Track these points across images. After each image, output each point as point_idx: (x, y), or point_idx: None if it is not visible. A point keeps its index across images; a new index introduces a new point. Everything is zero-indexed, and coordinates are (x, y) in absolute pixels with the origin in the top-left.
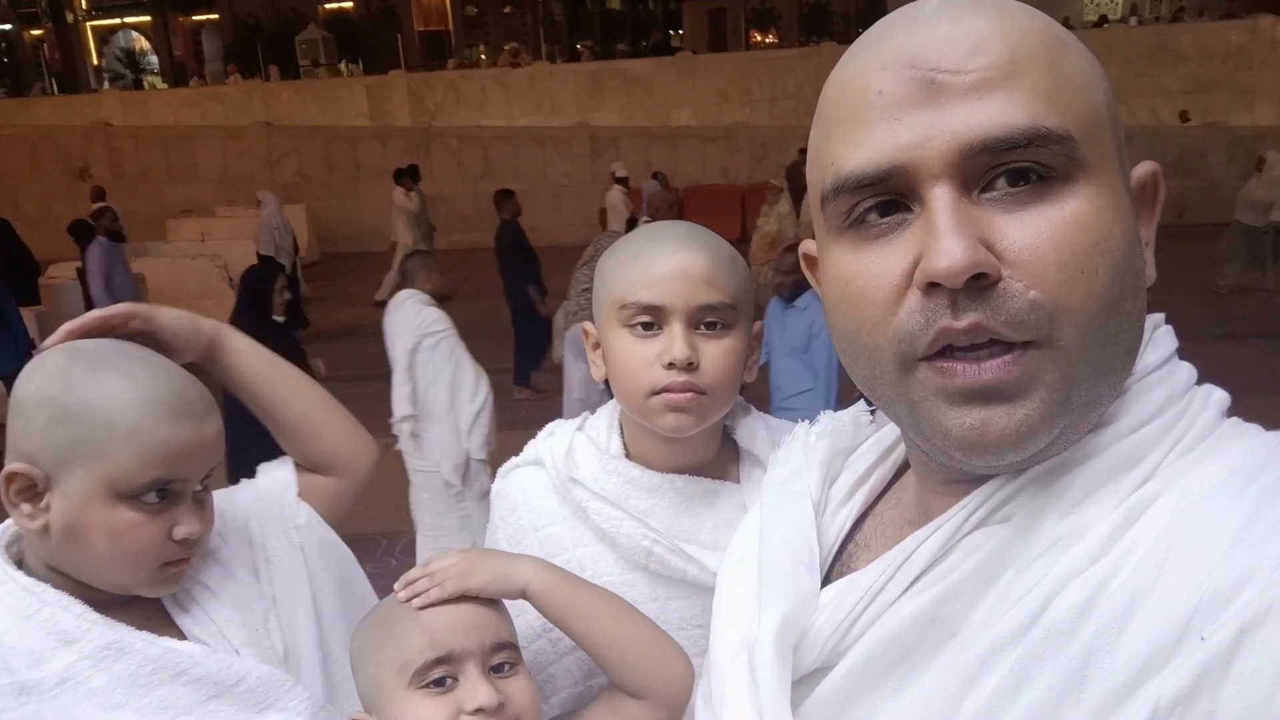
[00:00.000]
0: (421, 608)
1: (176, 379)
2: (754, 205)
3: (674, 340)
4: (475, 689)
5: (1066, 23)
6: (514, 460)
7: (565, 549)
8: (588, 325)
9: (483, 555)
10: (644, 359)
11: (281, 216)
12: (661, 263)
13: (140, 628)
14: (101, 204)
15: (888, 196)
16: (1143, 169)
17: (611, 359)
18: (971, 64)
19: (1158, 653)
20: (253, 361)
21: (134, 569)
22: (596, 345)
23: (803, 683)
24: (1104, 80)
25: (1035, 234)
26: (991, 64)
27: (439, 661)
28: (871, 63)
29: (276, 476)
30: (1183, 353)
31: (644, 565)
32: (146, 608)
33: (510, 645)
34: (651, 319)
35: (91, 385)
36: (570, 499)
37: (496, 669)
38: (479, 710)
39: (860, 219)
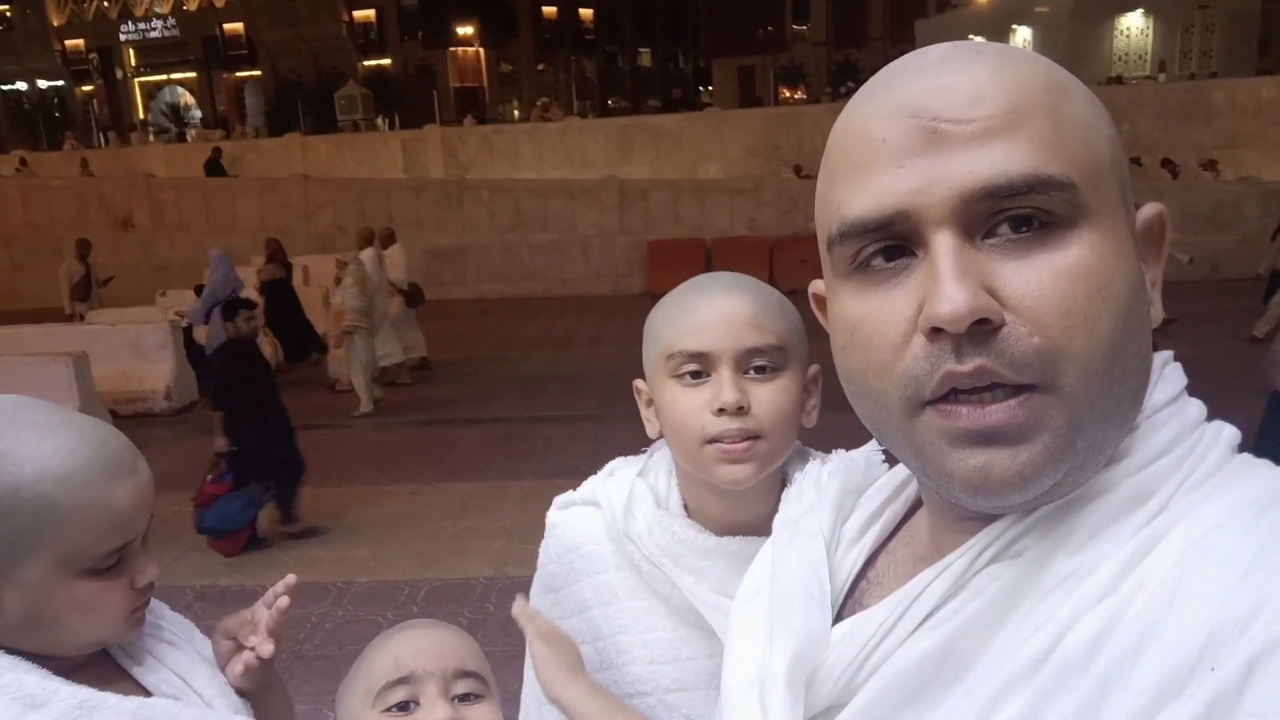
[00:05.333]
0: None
1: (93, 434)
2: (781, 258)
3: (722, 385)
4: (432, 708)
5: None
6: (571, 495)
7: (618, 599)
8: (639, 382)
9: (559, 653)
10: (693, 407)
11: None
12: (705, 309)
13: (101, 687)
14: None
15: (892, 241)
16: (1149, 210)
17: (663, 412)
18: (973, 113)
19: (1170, 684)
20: None
21: (105, 629)
22: (650, 402)
23: None
24: (1108, 125)
25: (1037, 280)
26: (992, 113)
27: (400, 682)
28: (876, 111)
29: None
30: (1219, 405)
31: (697, 624)
32: (101, 666)
33: (476, 675)
34: (699, 366)
35: (11, 469)
36: (625, 550)
37: (462, 698)
38: None
39: (865, 263)
